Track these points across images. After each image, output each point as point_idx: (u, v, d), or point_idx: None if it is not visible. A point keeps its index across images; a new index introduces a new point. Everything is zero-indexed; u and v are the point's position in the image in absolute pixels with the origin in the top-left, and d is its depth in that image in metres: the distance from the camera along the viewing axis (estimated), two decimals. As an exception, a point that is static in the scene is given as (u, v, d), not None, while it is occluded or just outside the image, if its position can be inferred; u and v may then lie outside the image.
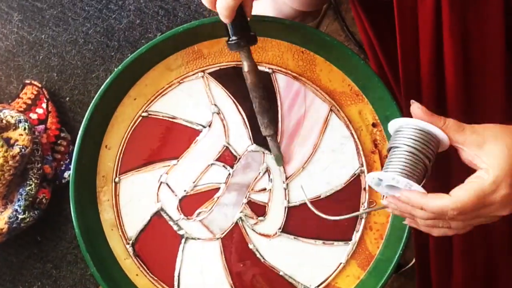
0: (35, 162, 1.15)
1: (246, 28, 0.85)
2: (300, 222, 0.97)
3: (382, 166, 0.97)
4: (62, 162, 1.22)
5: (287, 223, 0.97)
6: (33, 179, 1.15)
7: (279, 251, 0.97)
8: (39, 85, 1.21)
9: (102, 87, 0.93)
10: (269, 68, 0.97)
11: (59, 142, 1.21)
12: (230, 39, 0.84)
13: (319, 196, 0.97)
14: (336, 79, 0.97)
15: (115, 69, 0.93)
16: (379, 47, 1.07)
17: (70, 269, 1.23)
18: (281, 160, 0.96)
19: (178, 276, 0.97)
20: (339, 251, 0.98)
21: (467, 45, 0.95)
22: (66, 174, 1.22)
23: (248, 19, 0.84)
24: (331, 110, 0.97)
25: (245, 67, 0.87)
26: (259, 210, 0.97)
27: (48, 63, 1.23)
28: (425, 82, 0.98)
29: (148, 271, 0.97)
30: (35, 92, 1.21)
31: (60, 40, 1.23)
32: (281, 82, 0.97)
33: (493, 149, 0.75)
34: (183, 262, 0.97)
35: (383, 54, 1.06)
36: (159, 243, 0.97)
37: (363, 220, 0.97)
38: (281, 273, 0.97)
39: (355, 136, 0.97)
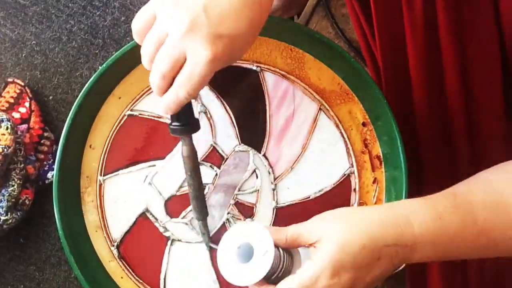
0: (18, 162, 1.13)
1: (190, 114, 0.84)
2: (289, 223, 0.95)
3: (372, 166, 0.96)
4: (45, 163, 1.20)
5: (275, 224, 0.96)
6: (16, 180, 1.13)
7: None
8: (22, 84, 1.19)
9: (86, 85, 0.92)
10: (257, 66, 0.95)
11: (42, 141, 1.19)
12: (173, 124, 0.83)
13: (308, 197, 0.96)
14: (326, 77, 0.96)
15: (100, 67, 0.92)
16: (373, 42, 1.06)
17: (54, 271, 1.21)
18: (208, 243, 0.96)
19: (164, 279, 0.96)
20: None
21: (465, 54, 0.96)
22: (49, 175, 1.20)
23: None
24: (320, 109, 0.96)
25: (185, 151, 0.86)
26: (247, 211, 0.96)
27: (31, 61, 1.21)
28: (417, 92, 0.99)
29: (133, 274, 0.96)
30: (17, 91, 1.19)
31: (43, 38, 1.21)
32: (269, 80, 0.96)
33: (325, 241, 0.77)
34: (169, 264, 0.95)
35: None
36: (144, 245, 0.96)
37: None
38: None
39: (345, 136, 0.96)
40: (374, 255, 0.76)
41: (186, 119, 0.83)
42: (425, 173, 1.00)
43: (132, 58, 0.91)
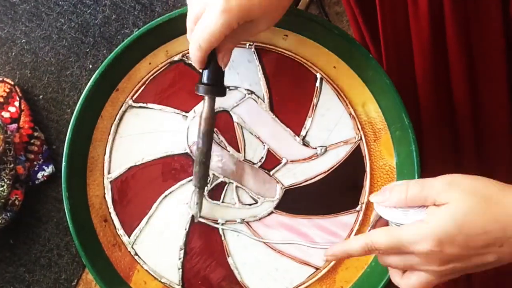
0: (8, 162, 1.12)
1: (219, 77, 0.85)
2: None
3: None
4: (35, 163, 1.18)
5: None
6: (6, 180, 1.11)
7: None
8: (12, 83, 1.18)
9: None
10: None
11: (32, 141, 1.18)
12: (201, 81, 0.85)
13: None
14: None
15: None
16: (371, 41, 1.06)
17: (44, 273, 1.20)
18: (197, 214, 0.94)
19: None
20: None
21: (471, 53, 0.96)
22: (39, 175, 1.18)
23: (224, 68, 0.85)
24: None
25: (204, 113, 0.87)
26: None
27: (21, 60, 1.20)
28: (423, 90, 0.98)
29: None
30: (7, 90, 1.17)
31: (33, 36, 1.20)
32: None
33: (447, 210, 0.71)
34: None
35: (375, 47, 1.06)
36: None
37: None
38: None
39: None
40: (496, 242, 0.69)
41: (213, 80, 0.84)
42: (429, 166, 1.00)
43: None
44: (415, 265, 0.73)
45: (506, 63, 0.96)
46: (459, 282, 1.05)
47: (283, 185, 0.94)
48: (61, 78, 1.20)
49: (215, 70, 0.84)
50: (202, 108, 0.87)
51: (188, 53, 0.95)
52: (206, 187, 0.93)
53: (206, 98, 0.86)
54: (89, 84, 0.91)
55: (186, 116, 0.94)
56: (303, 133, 0.94)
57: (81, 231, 0.93)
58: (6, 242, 1.19)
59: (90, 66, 1.18)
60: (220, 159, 0.94)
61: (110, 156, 0.95)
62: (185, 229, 0.94)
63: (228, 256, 0.95)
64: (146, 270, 0.95)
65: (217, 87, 0.85)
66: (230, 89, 0.94)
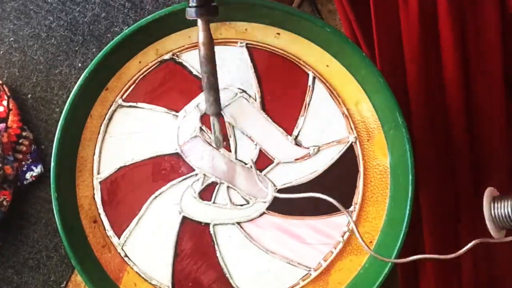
0: (-5, 162, 1.11)
1: None
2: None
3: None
4: (23, 163, 1.17)
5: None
6: (-7, 180, 1.10)
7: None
8: (0, 82, 1.17)
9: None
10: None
11: (20, 141, 1.16)
12: (190, 4, 0.81)
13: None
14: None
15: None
16: (363, 39, 1.05)
17: (32, 274, 1.18)
18: (220, 143, 0.91)
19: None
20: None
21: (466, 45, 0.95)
22: (27, 175, 1.17)
23: None
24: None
25: (201, 38, 0.83)
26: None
27: (9, 58, 1.18)
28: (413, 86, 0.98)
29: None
30: (-5, 89, 1.16)
31: (21, 34, 1.18)
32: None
33: None
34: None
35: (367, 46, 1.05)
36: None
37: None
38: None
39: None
40: None
41: (202, 1, 0.81)
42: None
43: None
44: None
45: (501, 60, 0.95)
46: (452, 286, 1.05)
47: (275, 186, 0.93)
48: (50, 77, 1.19)
49: None
50: (197, 33, 0.84)
51: (178, 51, 0.94)
52: (221, 111, 0.90)
53: (200, 21, 0.83)
54: (78, 83, 0.90)
55: (177, 116, 0.93)
56: (295, 132, 0.93)
57: (70, 232, 0.92)
58: (-6, 243, 1.19)
59: (80, 65, 1.17)
60: (211, 158, 0.93)
61: (99, 156, 0.94)
62: (176, 230, 0.93)
63: (219, 258, 0.94)
64: (136, 272, 0.94)
65: (208, 7, 0.82)
66: (221, 88, 0.93)
